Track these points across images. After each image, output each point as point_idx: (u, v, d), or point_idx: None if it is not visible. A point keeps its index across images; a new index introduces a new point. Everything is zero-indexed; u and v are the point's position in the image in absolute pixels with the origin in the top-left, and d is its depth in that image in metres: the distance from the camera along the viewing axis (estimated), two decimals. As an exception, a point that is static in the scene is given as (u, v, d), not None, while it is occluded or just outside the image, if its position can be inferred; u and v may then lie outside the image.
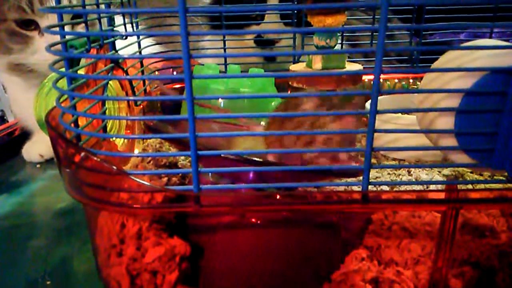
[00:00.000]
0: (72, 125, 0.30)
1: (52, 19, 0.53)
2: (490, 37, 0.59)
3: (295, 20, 0.63)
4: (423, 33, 0.60)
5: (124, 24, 0.47)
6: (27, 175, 0.57)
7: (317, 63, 0.48)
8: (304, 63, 0.53)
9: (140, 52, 0.51)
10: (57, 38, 0.30)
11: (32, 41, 0.54)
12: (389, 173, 0.44)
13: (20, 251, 0.39)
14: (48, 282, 0.35)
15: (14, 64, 0.56)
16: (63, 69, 0.30)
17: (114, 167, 0.26)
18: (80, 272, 0.36)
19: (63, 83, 0.31)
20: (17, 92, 0.62)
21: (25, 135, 0.64)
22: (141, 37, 0.51)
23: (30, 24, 0.53)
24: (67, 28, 0.49)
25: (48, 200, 0.49)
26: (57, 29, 0.28)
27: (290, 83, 0.53)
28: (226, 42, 0.62)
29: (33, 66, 0.55)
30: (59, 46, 0.30)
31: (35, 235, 0.42)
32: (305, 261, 0.29)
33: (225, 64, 0.60)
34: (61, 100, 0.30)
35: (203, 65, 0.54)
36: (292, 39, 0.63)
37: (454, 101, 0.25)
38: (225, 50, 0.62)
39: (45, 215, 0.46)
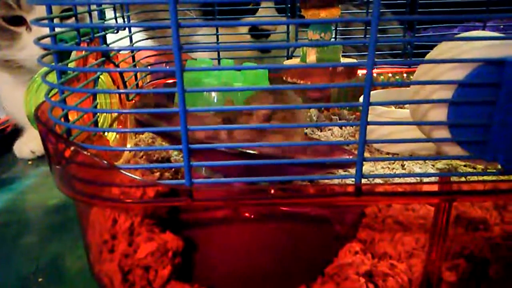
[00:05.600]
0: (62, 119, 0.30)
1: (40, 15, 0.52)
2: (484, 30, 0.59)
3: (289, 14, 0.62)
4: (417, 27, 0.60)
5: (115, 18, 0.46)
6: (19, 172, 0.57)
7: (312, 57, 0.48)
8: (298, 59, 0.53)
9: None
10: (46, 33, 0.29)
11: (20, 37, 0.53)
12: (383, 167, 0.44)
13: (11, 248, 0.39)
14: (40, 279, 0.34)
15: (3, 61, 0.55)
16: (53, 64, 0.29)
17: (105, 162, 0.25)
18: (72, 269, 0.36)
19: (53, 78, 0.31)
20: (7, 88, 0.61)
21: (17, 132, 0.64)
22: (132, 31, 0.50)
23: (18, 21, 0.53)
24: (56, 22, 0.48)
25: (40, 196, 0.49)
26: (45, 21, 0.28)
27: (284, 78, 0.52)
28: (220, 37, 0.61)
29: (21, 62, 0.55)
30: (48, 40, 0.29)
31: (27, 232, 0.42)
32: (299, 255, 0.29)
33: (219, 59, 0.60)
34: (51, 94, 0.29)
35: (196, 59, 0.54)
36: (285, 34, 0.63)
37: (447, 93, 0.25)
38: (218, 43, 0.61)
39: (37, 212, 0.46)
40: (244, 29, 0.65)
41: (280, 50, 0.65)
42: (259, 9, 0.66)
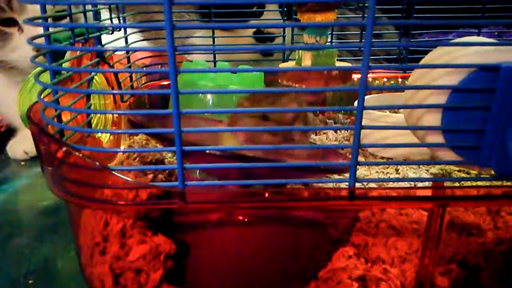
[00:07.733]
0: (55, 120, 0.29)
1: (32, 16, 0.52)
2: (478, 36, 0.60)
3: (285, 18, 0.62)
4: (412, 32, 0.61)
5: (111, 19, 0.46)
6: (12, 173, 0.56)
7: (307, 60, 0.48)
8: (294, 61, 0.53)
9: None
10: (38, 33, 0.29)
11: (11, 38, 0.53)
12: (377, 172, 0.44)
13: (2, 250, 0.38)
14: (31, 281, 0.34)
15: None
16: (46, 64, 0.29)
17: (97, 163, 0.25)
18: (63, 271, 0.35)
19: (46, 78, 0.31)
20: (0, 89, 0.61)
21: (10, 132, 0.63)
22: (128, 32, 0.50)
23: (9, 22, 0.53)
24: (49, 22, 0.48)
25: (33, 198, 0.49)
26: (39, 21, 0.28)
27: (279, 80, 0.52)
28: (220, 39, 0.61)
29: (14, 63, 0.55)
30: (41, 40, 0.29)
31: (18, 233, 0.41)
32: (292, 259, 0.29)
33: (214, 61, 0.60)
34: (44, 94, 0.29)
35: (191, 61, 0.54)
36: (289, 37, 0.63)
37: (441, 98, 0.25)
38: (214, 43, 0.61)
39: (29, 213, 0.46)
40: (249, 33, 0.65)
41: (280, 54, 0.65)
42: (264, 12, 0.66)
